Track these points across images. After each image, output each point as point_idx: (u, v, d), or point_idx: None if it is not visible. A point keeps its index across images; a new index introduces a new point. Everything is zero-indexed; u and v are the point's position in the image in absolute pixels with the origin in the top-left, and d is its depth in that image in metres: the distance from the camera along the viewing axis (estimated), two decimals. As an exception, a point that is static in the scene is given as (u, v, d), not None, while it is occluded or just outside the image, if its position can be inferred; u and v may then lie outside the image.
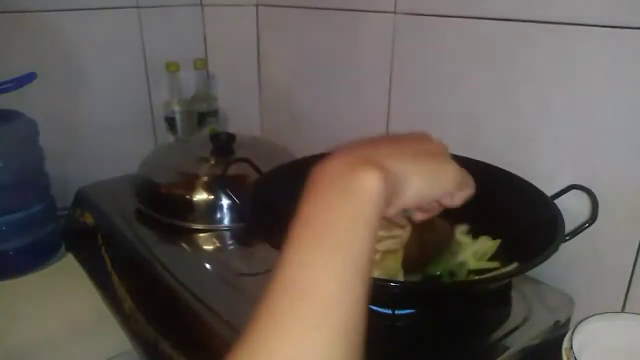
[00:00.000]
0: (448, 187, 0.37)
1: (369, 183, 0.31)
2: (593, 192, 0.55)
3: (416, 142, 0.38)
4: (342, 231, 0.30)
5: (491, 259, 0.58)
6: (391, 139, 0.38)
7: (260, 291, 0.29)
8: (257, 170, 0.68)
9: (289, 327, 0.27)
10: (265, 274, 0.61)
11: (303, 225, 0.30)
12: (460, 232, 0.61)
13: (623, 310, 0.59)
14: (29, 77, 0.77)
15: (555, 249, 0.47)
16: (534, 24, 0.60)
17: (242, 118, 1.14)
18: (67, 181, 0.90)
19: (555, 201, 0.57)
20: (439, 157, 0.38)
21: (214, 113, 1.06)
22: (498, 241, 0.58)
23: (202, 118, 1.05)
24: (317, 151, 0.71)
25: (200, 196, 0.74)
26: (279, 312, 0.28)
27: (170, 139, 1.04)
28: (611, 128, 0.56)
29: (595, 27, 0.55)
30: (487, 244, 0.58)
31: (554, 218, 0.53)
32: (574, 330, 0.51)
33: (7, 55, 0.85)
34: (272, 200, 0.61)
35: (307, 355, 0.27)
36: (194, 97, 1.04)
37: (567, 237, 0.52)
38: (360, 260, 0.29)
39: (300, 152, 0.84)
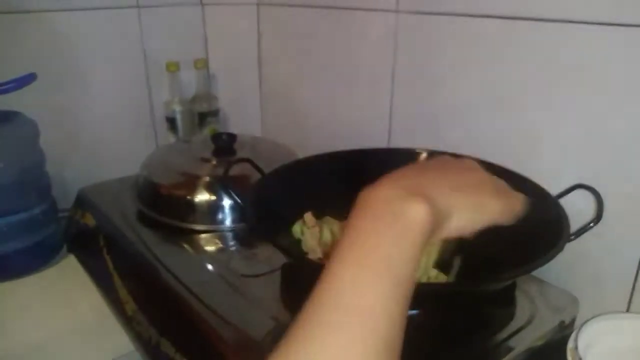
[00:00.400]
0: (492, 218, 0.38)
1: (416, 214, 0.32)
2: (598, 192, 0.55)
3: (462, 173, 0.39)
4: (388, 255, 0.31)
5: (497, 259, 0.57)
6: (437, 168, 0.40)
7: (305, 305, 0.30)
8: (259, 170, 0.68)
9: (330, 337, 0.28)
10: (268, 275, 0.61)
11: (350, 246, 0.32)
12: None
13: (628, 310, 0.59)
14: (30, 78, 0.77)
15: (561, 249, 0.47)
16: (538, 22, 0.60)
17: (242, 118, 1.13)
18: (68, 182, 0.90)
19: (560, 200, 0.56)
20: (484, 190, 0.38)
21: (215, 113, 1.06)
22: None
23: (203, 118, 1.05)
24: (318, 151, 0.71)
25: (202, 197, 0.73)
26: (323, 321, 0.29)
27: (171, 139, 1.04)
28: (616, 127, 0.56)
29: (600, 25, 0.55)
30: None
31: (559, 217, 0.52)
32: (579, 330, 0.51)
33: (7, 56, 0.85)
34: (274, 201, 0.61)
35: None
36: (194, 97, 1.04)
37: (572, 237, 0.52)
38: (403, 284, 0.31)
39: (301, 151, 0.84)
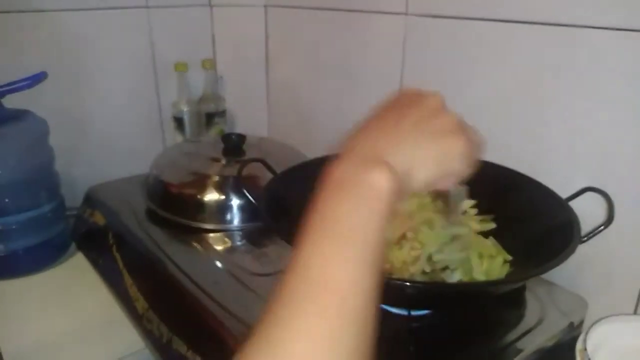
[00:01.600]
0: (458, 166, 0.37)
1: (378, 184, 0.32)
2: (608, 195, 0.55)
3: (422, 119, 0.37)
4: (353, 226, 0.31)
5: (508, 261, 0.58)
6: (396, 120, 0.38)
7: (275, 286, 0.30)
8: (271, 170, 0.68)
9: (299, 314, 0.28)
10: (278, 274, 0.62)
11: (316, 221, 0.32)
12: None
13: (635, 312, 0.59)
14: (40, 77, 0.77)
15: (572, 251, 0.47)
16: (547, 26, 0.60)
17: (249, 118, 1.14)
18: (76, 181, 0.90)
19: (570, 203, 0.57)
20: (446, 135, 0.37)
21: (222, 113, 1.07)
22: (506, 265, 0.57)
23: (210, 118, 1.05)
24: (324, 152, 0.71)
25: (212, 196, 0.74)
26: (290, 300, 0.29)
27: (178, 138, 1.04)
28: (626, 130, 0.57)
29: (612, 30, 0.55)
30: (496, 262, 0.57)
31: (570, 220, 0.53)
32: (587, 331, 0.51)
33: (18, 55, 0.86)
34: (287, 200, 0.61)
35: (316, 343, 0.28)
36: (202, 98, 1.05)
37: (584, 239, 0.52)
38: (371, 253, 0.31)
39: (308, 152, 0.84)
